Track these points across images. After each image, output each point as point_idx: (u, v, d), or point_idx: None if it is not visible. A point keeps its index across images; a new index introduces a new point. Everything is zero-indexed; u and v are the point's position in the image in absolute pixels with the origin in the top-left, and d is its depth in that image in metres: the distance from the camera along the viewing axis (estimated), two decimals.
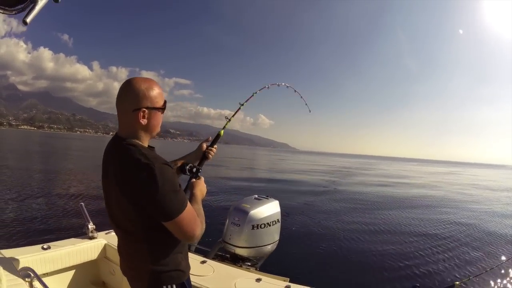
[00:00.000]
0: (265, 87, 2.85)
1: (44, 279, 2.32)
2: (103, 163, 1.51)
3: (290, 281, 2.76)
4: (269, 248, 3.59)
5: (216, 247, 3.59)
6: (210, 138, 2.17)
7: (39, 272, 2.31)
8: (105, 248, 2.91)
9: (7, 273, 1.90)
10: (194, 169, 1.86)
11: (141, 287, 1.51)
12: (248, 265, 3.50)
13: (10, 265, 2.07)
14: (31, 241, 5.59)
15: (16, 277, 1.92)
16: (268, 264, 3.77)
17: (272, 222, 3.54)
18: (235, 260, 3.49)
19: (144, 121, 1.43)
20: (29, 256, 2.36)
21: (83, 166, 17.14)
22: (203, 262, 2.77)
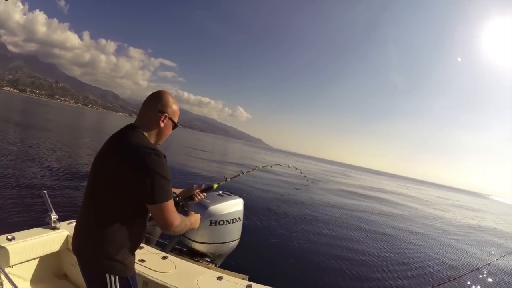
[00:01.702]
0: (255, 169, 3.45)
1: (9, 270, 2.27)
2: (110, 139, 1.69)
3: (249, 279, 2.78)
4: (229, 246, 3.56)
5: (174, 240, 3.53)
6: (203, 186, 2.44)
7: (4, 265, 2.27)
8: (67, 239, 2.83)
9: None
10: (181, 203, 2.08)
11: (87, 267, 1.67)
12: (207, 261, 3.47)
13: None
14: None
15: None
16: (228, 261, 3.75)
17: (233, 220, 3.51)
18: (193, 255, 3.45)
19: (162, 124, 1.75)
20: None
21: (52, 146, 15.86)
22: (164, 257, 2.75)
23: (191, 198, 2.30)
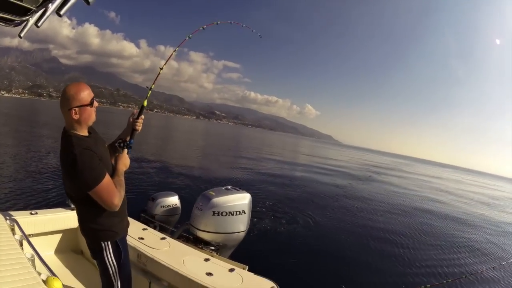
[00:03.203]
0: (199, 29, 2.87)
1: (30, 239, 2.66)
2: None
3: (248, 269, 2.91)
4: (233, 236, 3.75)
5: (182, 228, 3.81)
6: (136, 111, 2.37)
7: (26, 233, 2.64)
8: None
9: None
10: (121, 144, 2.22)
11: (89, 243, 2.09)
12: (212, 249, 3.66)
13: (2, 223, 2.35)
14: (21, 206, 6.32)
15: (7, 234, 2.19)
16: (237, 253, 3.96)
17: (236, 212, 3.68)
18: (198, 242, 3.68)
19: (76, 116, 1.91)
20: (19, 218, 2.71)
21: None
22: (162, 238, 3.05)
23: (133, 130, 2.31)
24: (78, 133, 1.94)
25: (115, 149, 2.25)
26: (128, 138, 2.29)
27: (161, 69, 2.60)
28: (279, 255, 6.17)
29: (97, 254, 2.06)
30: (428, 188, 25.05)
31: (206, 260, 2.75)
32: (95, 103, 1.99)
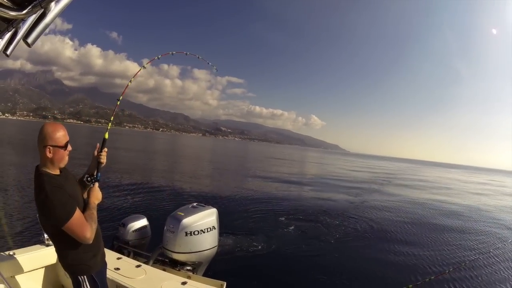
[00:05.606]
0: (154, 58, 3.38)
1: (11, 281, 2.78)
2: None
3: (227, 286, 3.04)
4: (207, 253, 3.84)
5: (156, 253, 3.89)
6: (98, 145, 2.50)
7: (6, 275, 2.76)
8: None
9: None
10: (89, 179, 2.38)
11: (70, 277, 2.23)
12: (188, 269, 3.77)
13: None
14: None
15: None
16: (212, 269, 4.07)
17: (207, 229, 3.79)
18: (174, 265, 3.79)
19: (50, 155, 2.05)
20: None
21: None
22: (138, 266, 3.18)
23: (98, 163, 2.45)
24: (50, 171, 2.07)
25: (84, 184, 2.39)
26: (95, 172, 2.43)
27: (130, 82, 3.05)
28: (253, 265, 6.17)
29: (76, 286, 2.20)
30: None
31: (183, 283, 2.86)
32: (69, 147, 2.14)
